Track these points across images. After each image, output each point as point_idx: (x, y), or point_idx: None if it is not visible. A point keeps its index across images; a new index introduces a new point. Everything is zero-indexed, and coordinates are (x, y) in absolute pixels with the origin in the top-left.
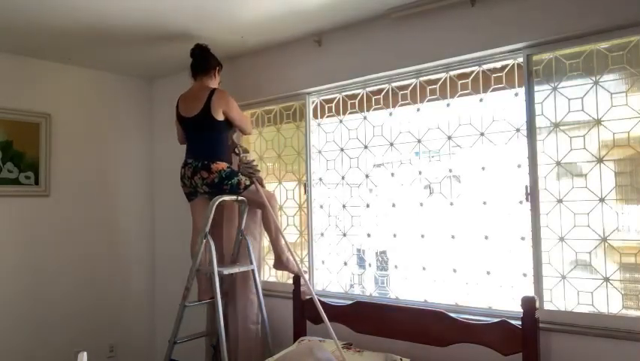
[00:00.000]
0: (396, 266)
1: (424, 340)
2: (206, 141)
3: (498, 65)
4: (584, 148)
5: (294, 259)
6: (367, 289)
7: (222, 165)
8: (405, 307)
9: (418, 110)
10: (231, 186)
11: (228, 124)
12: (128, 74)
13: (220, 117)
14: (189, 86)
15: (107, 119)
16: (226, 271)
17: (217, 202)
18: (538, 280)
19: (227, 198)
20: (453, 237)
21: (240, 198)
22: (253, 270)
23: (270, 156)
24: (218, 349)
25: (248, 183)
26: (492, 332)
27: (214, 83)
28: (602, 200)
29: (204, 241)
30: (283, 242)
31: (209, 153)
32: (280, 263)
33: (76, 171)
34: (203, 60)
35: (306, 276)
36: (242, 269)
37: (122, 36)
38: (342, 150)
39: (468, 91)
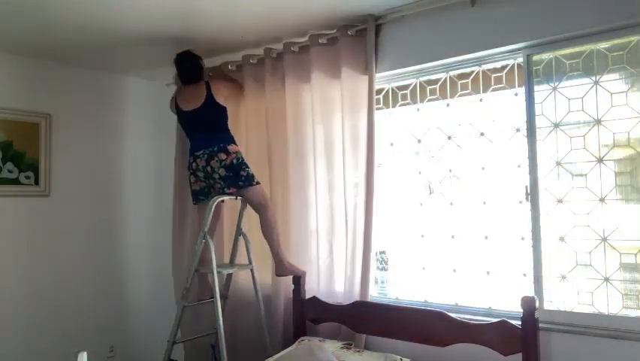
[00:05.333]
0: (396, 266)
1: (424, 340)
2: (216, 128)
3: (498, 65)
4: (584, 148)
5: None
6: None
7: (238, 148)
8: (405, 307)
9: (418, 110)
10: (247, 175)
11: (227, 110)
12: (128, 74)
13: (223, 102)
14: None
15: (107, 119)
16: (225, 271)
17: (216, 202)
18: (538, 280)
19: (226, 198)
20: (453, 237)
21: (238, 197)
22: (252, 269)
23: None
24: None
25: (258, 181)
26: (492, 332)
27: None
28: (602, 200)
29: (203, 241)
30: (283, 248)
31: (222, 137)
32: (284, 269)
33: (77, 171)
34: (194, 72)
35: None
36: (240, 269)
37: (122, 36)
38: None
39: (468, 91)
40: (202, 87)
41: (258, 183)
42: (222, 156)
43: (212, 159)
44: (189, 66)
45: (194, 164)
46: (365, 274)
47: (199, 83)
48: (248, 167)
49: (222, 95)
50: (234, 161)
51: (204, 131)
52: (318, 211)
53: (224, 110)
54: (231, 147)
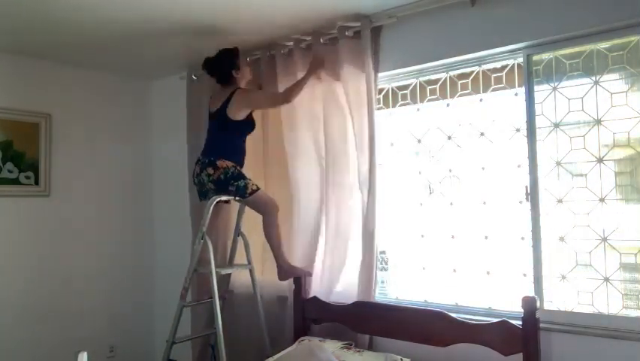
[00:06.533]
0: (396, 266)
1: (424, 340)
2: (218, 138)
3: (498, 65)
4: (584, 148)
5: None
6: None
7: (227, 163)
8: (405, 307)
9: (418, 110)
10: (237, 188)
11: (248, 125)
12: (128, 74)
13: (238, 117)
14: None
15: (107, 120)
16: (223, 272)
17: (214, 202)
18: (538, 280)
19: (225, 197)
20: (453, 237)
21: (237, 198)
22: (251, 269)
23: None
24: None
25: (255, 188)
26: (492, 332)
27: (239, 82)
28: (602, 200)
29: (202, 241)
30: (284, 251)
31: (217, 150)
32: (284, 273)
33: (76, 171)
34: (221, 76)
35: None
36: (239, 269)
37: (122, 36)
38: None
39: (468, 91)
40: (228, 91)
41: (253, 191)
42: (210, 170)
43: (203, 171)
44: (210, 70)
45: (195, 167)
46: (369, 274)
47: (228, 85)
48: (238, 180)
49: (240, 110)
50: (222, 177)
51: (210, 138)
52: (322, 212)
53: (233, 124)
54: (220, 163)
